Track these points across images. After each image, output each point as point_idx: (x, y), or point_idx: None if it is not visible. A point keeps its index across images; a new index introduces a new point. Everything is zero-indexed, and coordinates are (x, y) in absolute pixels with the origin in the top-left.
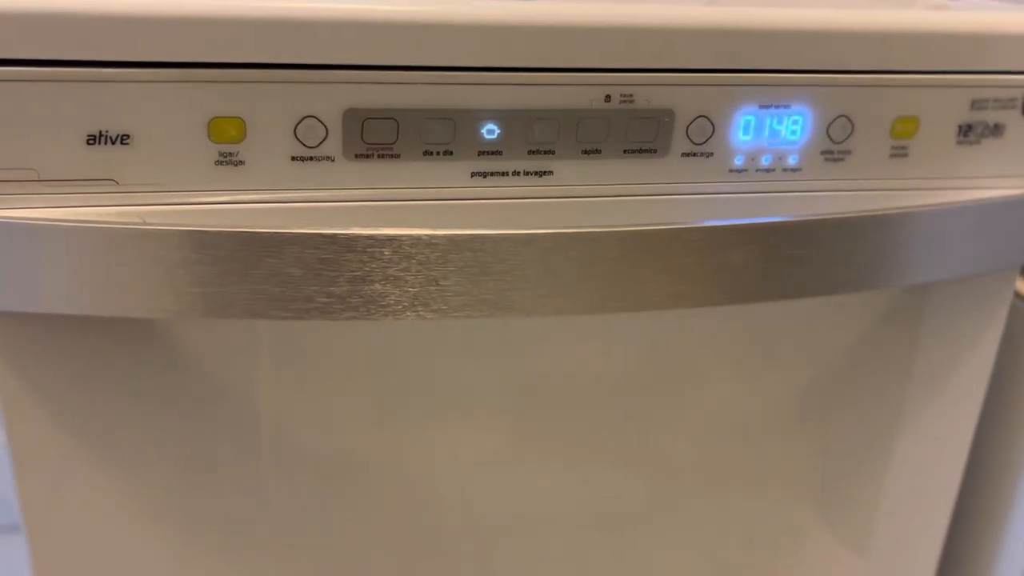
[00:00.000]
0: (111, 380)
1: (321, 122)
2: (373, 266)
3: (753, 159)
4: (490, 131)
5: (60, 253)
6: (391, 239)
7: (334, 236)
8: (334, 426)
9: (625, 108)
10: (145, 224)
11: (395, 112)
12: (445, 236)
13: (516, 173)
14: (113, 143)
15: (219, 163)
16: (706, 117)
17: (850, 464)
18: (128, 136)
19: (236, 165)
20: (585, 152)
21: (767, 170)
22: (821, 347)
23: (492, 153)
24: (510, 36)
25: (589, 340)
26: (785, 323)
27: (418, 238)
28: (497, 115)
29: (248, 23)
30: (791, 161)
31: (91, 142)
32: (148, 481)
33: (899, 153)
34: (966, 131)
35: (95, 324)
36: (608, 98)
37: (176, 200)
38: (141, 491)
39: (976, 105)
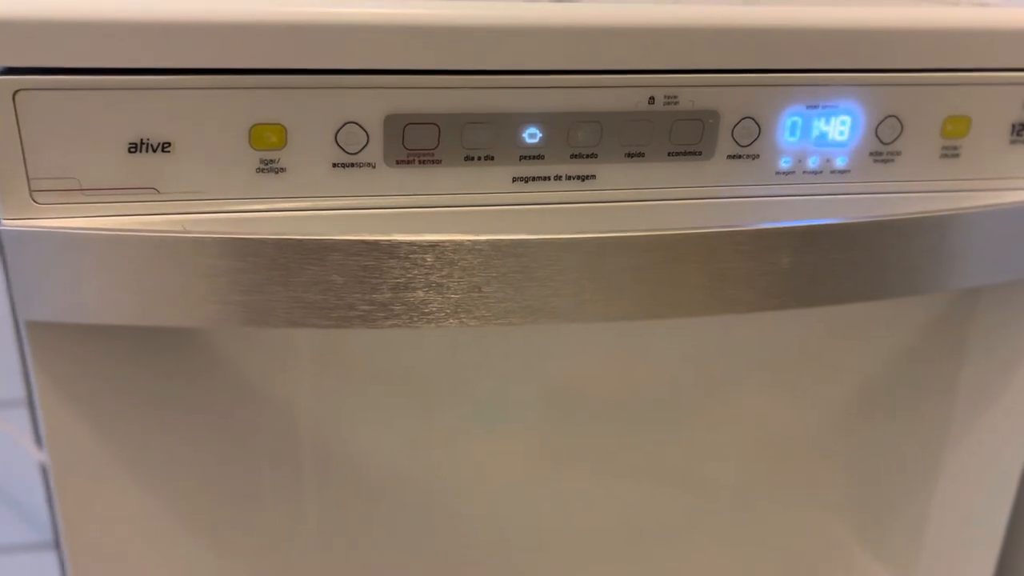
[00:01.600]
0: (151, 390)
1: (362, 128)
2: (415, 272)
3: (800, 161)
4: (532, 135)
5: (101, 262)
6: (434, 245)
7: (376, 243)
8: (370, 436)
9: (669, 110)
10: (186, 232)
11: (436, 117)
12: (487, 241)
13: (558, 178)
14: (154, 151)
15: (260, 170)
16: (752, 118)
17: (895, 480)
18: (169, 144)
19: (277, 172)
20: (629, 155)
21: (814, 172)
22: (863, 356)
23: (534, 158)
24: (551, 38)
25: (623, 349)
26: (825, 331)
27: (460, 244)
28: (539, 119)
29: (288, 28)
30: (839, 163)
31: (132, 150)
32: (187, 492)
33: (950, 154)
34: (1019, 130)
35: (135, 334)
36: (652, 100)
37: (217, 208)
38: (180, 503)
39: None
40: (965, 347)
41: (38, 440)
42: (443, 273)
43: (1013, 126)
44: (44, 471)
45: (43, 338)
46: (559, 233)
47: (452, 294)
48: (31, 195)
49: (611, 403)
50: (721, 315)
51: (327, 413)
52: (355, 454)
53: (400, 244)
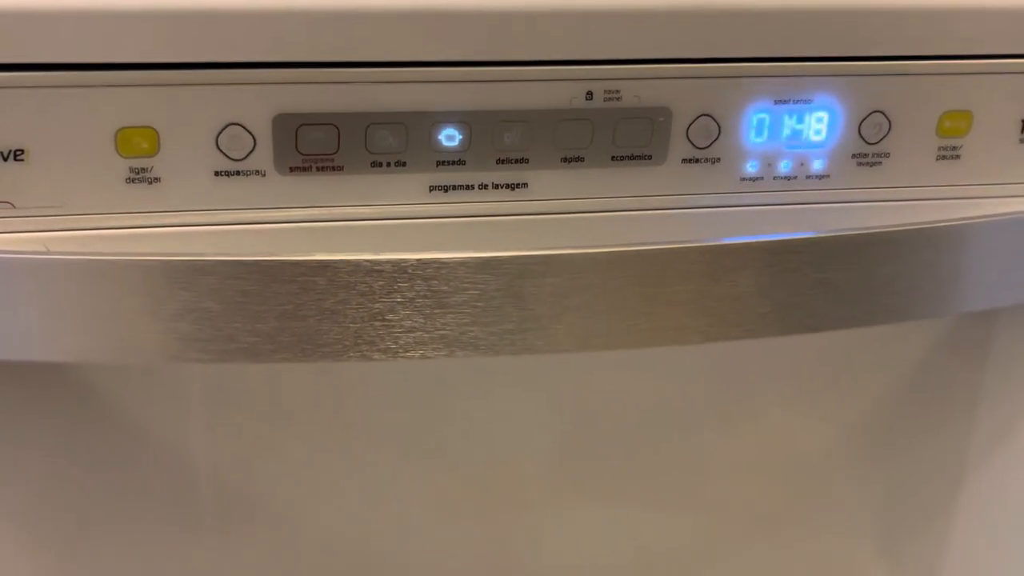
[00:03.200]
0: (9, 434)
1: (247, 130)
2: (305, 299)
3: (769, 165)
4: (450, 137)
5: None
6: (325, 266)
7: (256, 263)
8: (279, 481)
9: (611, 107)
10: (46, 253)
11: (335, 117)
12: (389, 262)
13: (483, 186)
14: (5, 159)
15: (130, 180)
16: (710, 116)
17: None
18: (22, 151)
19: (150, 183)
20: (565, 160)
21: (787, 178)
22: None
23: (453, 163)
24: (470, 23)
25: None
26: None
27: (357, 264)
28: (458, 118)
29: (157, 17)
30: (816, 167)
31: None
32: (48, 543)
33: (948, 155)
34: None
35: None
36: (590, 95)
37: (82, 224)
38: (41, 552)
39: None
40: (986, 362)
41: None
42: (338, 299)
43: (1023, 122)
44: None
45: None
46: (477, 252)
47: (351, 323)
48: None
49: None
50: (667, 346)
51: (231, 459)
52: (260, 502)
53: (283, 265)
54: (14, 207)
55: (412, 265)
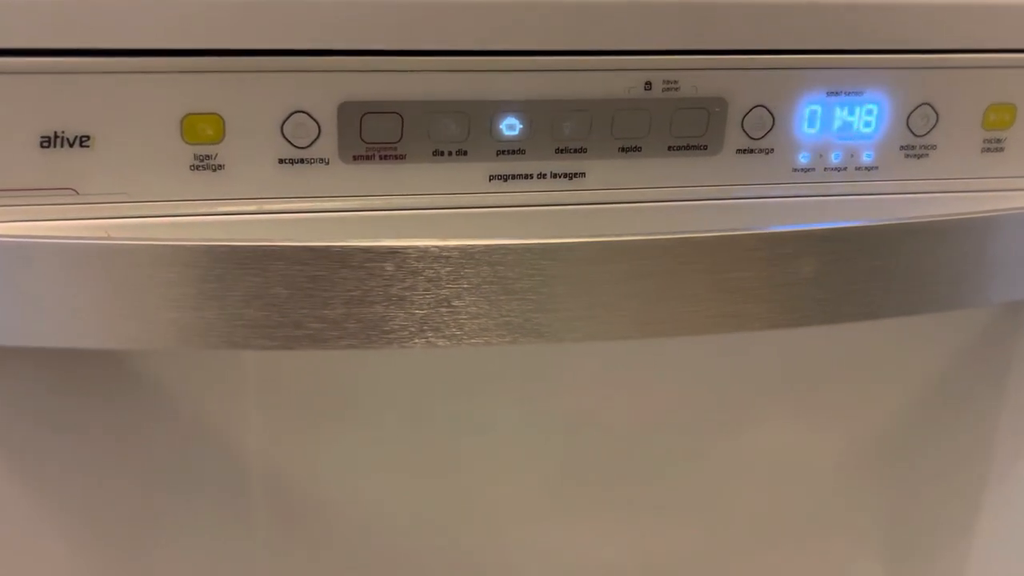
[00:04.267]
0: (65, 421)
1: (313, 118)
2: (372, 284)
3: (821, 156)
4: (510, 126)
5: (9, 275)
6: (394, 252)
7: (326, 249)
8: (331, 477)
9: (669, 97)
10: (110, 239)
11: (399, 105)
12: (457, 248)
13: (542, 176)
14: (71, 145)
15: (195, 168)
16: (764, 107)
17: (932, 517)
18: (88, 138)
19: (214, 170)
20: (622, 150)
21: (837, 169)
22: (895, 380)
23: (513, 152)
24: (533, 14)
25: (628, 370)
26: (851, 356)
27: (425, 251)
28: (518, 107)
29: (225, 3)
30: (865, 158)
31: (45, 145)
32: (109, 535)
33: (993, 147)
34: None
35: (49, 357)
36: (649, 85)
37: (146, 212)
38: (104, 547)
39: None
40: (1008, 370)
41: None
42: (405, 285)
43: None
44: None
45: None
46: (543, 238)
47: (416, 309)
48: None
49: (618, 430)
50: (730, 333)
51: (281, 451)
52: (306, 493)
53: (354, 251)
54: (77, 193)
55: (479, 251)
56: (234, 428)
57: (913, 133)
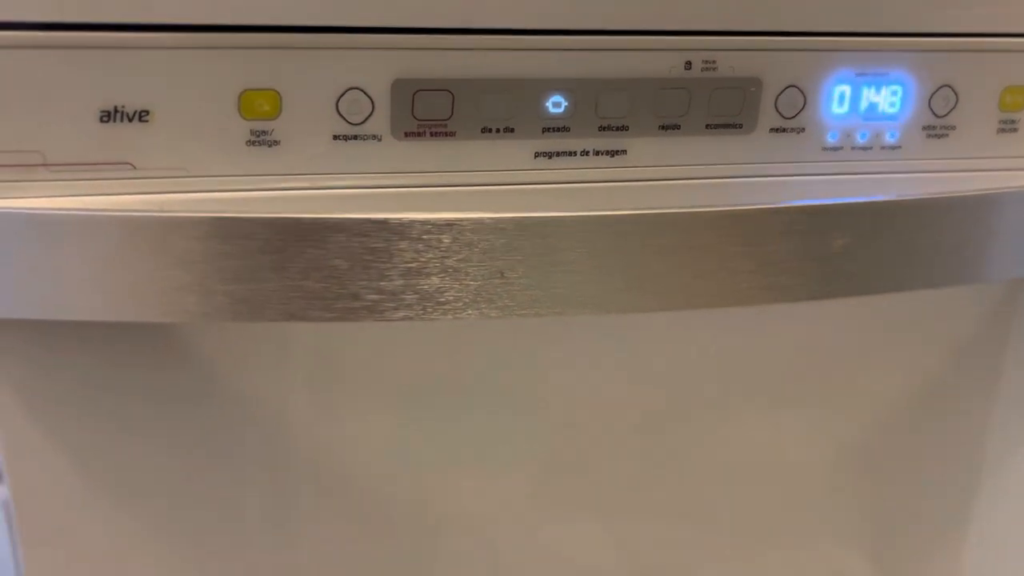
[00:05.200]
0: (122, 393)
1: (367, 95)
2: (430, 256)
3: (848, 136)
4: (556, 104)
5: (69, 248)
6: (451, 224)
7: (386, 221)
8: (365, 442)
9: (707, 76)
10: (155, 212)
11: (450, 83)
12: (512, 219)
13: (585, 153)
14: (130, 120)
15: (251, 143)
16: (796, 87)
17: (925, 514)
18: (147, 112)
19: (270, 145)
20: (662, 128)
21: (863, 148)
22: (885, 371)
23: (558, 130)
24: None
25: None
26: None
27: (481, 222)
28: (564, 85)
29: None
30: (889, 138)
31: (105, 119)
32: (162, 504)
33: (1008, 128)
34: None
35: (105, 330)
36: (689, 65)
37: (201, 186)
38: (154, 515)
39: None
40: (1002, 360)
41: None
42: (461, 256)
43: None
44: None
45: None
46: (593, 211)
47: (471, 281)
48: None
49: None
50: (768, 305)
51: (319, 416)
52: (347, 462)
53: (413, 223)
54: (134, 168)
55: (533, 223)
56: (280, 402)
57: (934, 114)
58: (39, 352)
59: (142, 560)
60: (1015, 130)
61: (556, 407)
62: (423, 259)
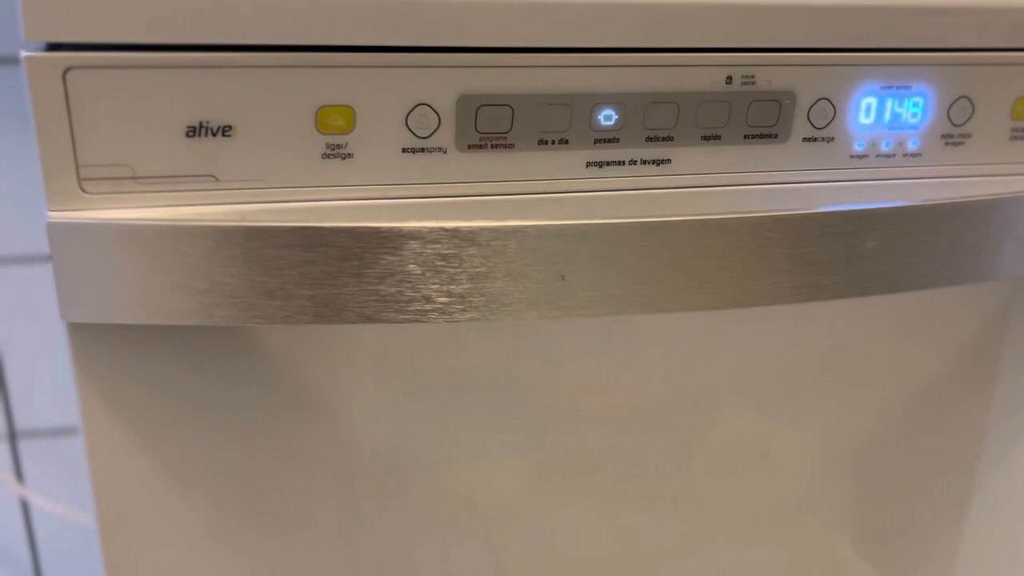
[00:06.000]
0: (200, 393)
1: (434, 110)
2: (496, 261)
3: (874, 144)
4: (607, 117)
5: (158, 257)
6: (516, 231)
7: (457, 229)
8: (428, 443)
9: (747, 90)
10: (243, 222)
11: (511, 98)
12: (573, 226)
13: (633, 162)
14: (214, 135)
15: (326, 156)
16: (827, 99)
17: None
18: (230, 128)
19: (344, 158)
20: (704, 138)
21: (887, 156)
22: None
23: (608, 141)
24: (630, 14)
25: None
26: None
27: (544, 229)
28: (615, 99)
29: (360, 3)
30: (911, 146)
31: (191, 134)
32: (239, 505)
33: (1019, 135)
34: None
35: (186, 334)
36: (729, 79)
37: (280, 197)
38: (231, 515)
39: None
40: (999, 362)
41: (18, 474)
42: (525, 261)
43: None
44: (24, 506)
45: (87, 342)
46: (647, 216)
47: (533, 284)
48: (80, 184)
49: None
50: (806, 303)
51: (395, 419)
52: (425, 463)
53: (482, 231)
54: (217, 180)
55: (591, 228)
56: (350, 400)
57: (952, 123)
58: (124, 356)
59: (217, 555)
60: None
61: (602, 405)
62: (490, 264)
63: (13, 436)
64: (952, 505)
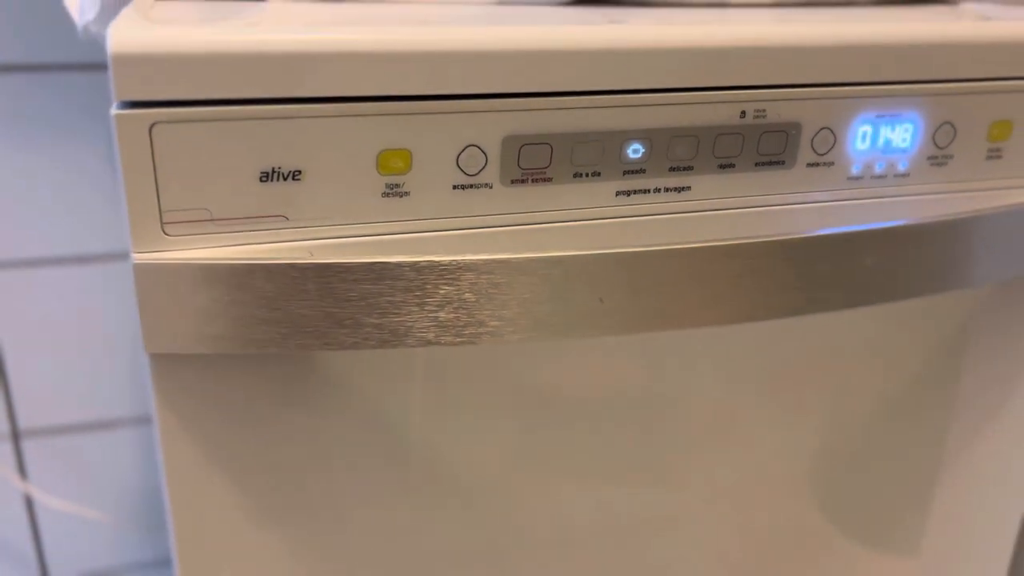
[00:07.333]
0: (272, 418)
1: (482, 150)
2: (542, 288)
3: (868, 167)
4: (635, 150)
5: (235, 293)
6: (559, 260)
7: (507, 261)
8: (488, 459)
9: (758, 123)
10: (316, 259)
11: (550, 137)
12: (611, 255)
13: (657, 190)
14: (285, 179)
15: (385, 195)
16: (829, 128)
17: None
18: (300, 172)
19: (401, 196)
20: (720, 167)
21: (880, 177)
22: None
23: (636, 172)
24: (656, 59)
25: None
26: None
27: (585, 258)
28: (642, 135)
29: (416, 56)
30: (901, 167)
31: (264, 179)
32: (310, 527)
33: (994, 155)
34: None
35: (258, 363)
36: (743, 114)
37: (343, 233)
38: (304, 538)
39: None
40: (964, 353)
41: (22, 471)
42: (567, 287)
43: None
44: (29, 504)
45: (168, 371)
46: (677, 243)
47: (575, 306)
48: (162, 227)
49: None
50: (814, 315)
51: (443, 429)
52: (484, 483)
53: (530, 260)
54: (287, 219)
55: (627, 255)
56: (410, 418)
57: (937, 146)
58: (200, 382)
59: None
60: (1000, 157)
61: (632, 413)
62: (537, 290)
63: (16, 435)
64: (916, 500)
